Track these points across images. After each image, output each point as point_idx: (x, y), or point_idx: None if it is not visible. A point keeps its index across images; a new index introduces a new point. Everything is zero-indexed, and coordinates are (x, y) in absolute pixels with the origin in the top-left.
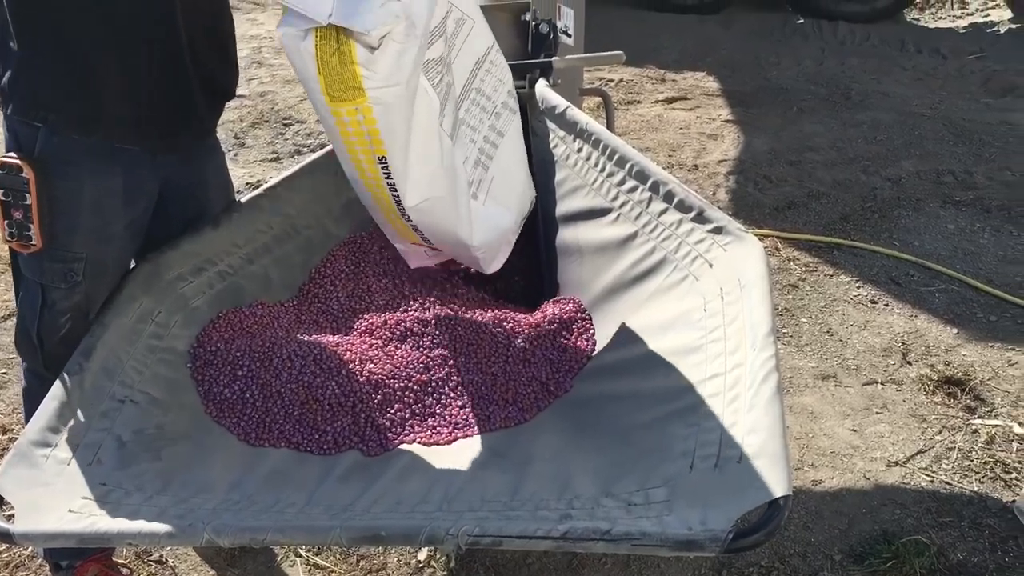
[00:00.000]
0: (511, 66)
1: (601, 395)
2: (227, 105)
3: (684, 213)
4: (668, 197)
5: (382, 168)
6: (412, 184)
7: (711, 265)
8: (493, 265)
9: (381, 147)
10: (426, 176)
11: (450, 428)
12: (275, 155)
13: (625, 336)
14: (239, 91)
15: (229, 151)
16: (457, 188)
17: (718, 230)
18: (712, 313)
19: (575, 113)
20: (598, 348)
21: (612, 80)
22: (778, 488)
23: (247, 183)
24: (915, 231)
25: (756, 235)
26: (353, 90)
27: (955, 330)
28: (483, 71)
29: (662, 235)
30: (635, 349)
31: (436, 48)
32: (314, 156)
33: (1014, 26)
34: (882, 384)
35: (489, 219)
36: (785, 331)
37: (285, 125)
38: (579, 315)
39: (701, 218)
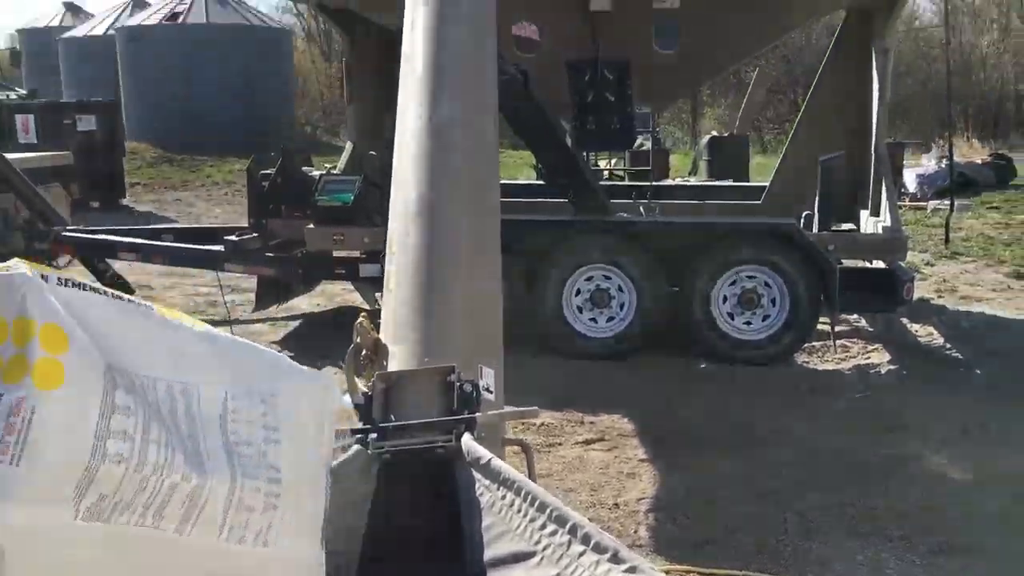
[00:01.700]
0: (438, 423)
1: None
2: None
3: (600, 554)
4: (585, 539)
5: None
6: None
7: None
8: None
9: None
10: None
11: None
12: None
13: None
14: None
15: None
16: None
17: (632, 570)
18: None
19: (498, 463)
20: None
21: (535, 423)
22: None
23: None
24: (826, 562)
25: (678, 571)
26: None
27: None
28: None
29: None
30: None
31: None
32: None
33: (893, 367)
34: None
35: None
36: None
37: None
38: None
39: (616, 559)
